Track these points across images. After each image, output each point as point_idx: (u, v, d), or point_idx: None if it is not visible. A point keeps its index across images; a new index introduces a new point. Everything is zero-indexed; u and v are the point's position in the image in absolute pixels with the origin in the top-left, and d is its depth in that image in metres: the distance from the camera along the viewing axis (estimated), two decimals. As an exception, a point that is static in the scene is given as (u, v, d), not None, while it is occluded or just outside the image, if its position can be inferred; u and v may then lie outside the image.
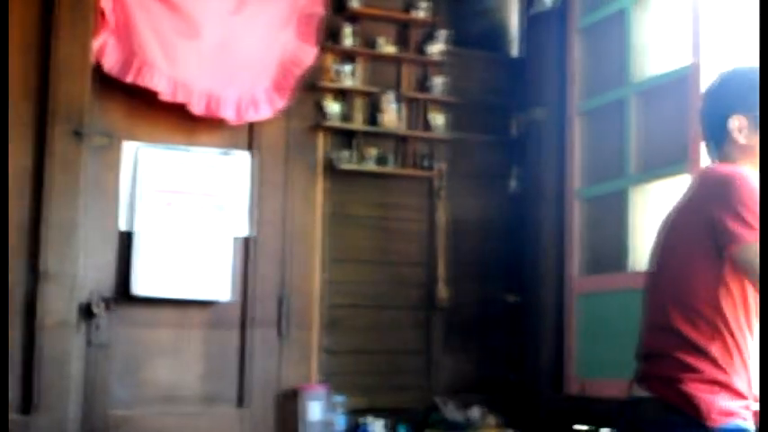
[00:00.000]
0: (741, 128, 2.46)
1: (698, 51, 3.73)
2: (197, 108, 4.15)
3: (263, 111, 4.30)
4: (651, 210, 4.01)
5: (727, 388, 2.30)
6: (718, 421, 2.27)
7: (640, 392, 2.42)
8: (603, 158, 4.30)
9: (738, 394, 2.32)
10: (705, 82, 3.60)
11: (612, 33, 4.29)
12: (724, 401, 2.29)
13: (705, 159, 3.50)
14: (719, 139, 2.51)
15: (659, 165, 3.94)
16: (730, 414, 2.29)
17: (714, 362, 2.30)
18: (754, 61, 3.17)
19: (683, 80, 3.81)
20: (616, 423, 2.56)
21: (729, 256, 2.29)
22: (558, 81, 4.59)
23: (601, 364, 4.14)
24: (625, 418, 2.47)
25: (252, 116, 4.27)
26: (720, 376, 2.30)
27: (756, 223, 2.26)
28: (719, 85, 2.55)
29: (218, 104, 4.18)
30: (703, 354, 2.31)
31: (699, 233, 2.35)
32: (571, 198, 4.45)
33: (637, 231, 4.04)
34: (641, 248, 3.99)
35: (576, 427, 4.24)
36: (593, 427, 4.10)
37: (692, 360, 2.31)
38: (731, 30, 3.67)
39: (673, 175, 3.84)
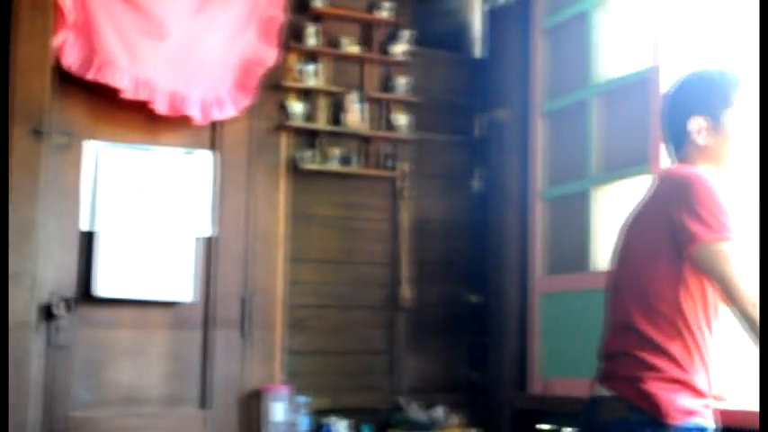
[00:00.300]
0: (701, 129, 2.50)
1: (658, 54, 3.76)
2: (161, 106, 4.12)
3: (228, 110, 4.28)
4: (613, 210, 4.03)
5: (687, 386, 2.33)
6: (679, 420, 2.30)
7: (603, 391, 2.44)
8: (566, 159, 4.33)
9: (699, 393, 2.35)
10: (666, 84, 3.64)
11: (575, 35, 4.31)
12: (684, 400, 2.32)
13: (666, 160, 3.54)
14: (680, 141, 2.54)
15: (621, 165, 3.97)
16: (691, 413, 2.33)
17: (675, 361, 2.33)
18: (714, 63, 3.22)
19: (644, 82, 3.84)
20: (579, 422, 2.58)
21: (688, 255, 2.32)
22: (521, 82, 4.61)
23: (564, 363, 4.16)
24: (588, 417, 2.49)
25: (216, 115, 4.25)
26: (681, 375, 2.33)
27: (715, 223, 2.29)
28: (680, 88, 2.58)
29: (183, 103, 4.15)
30: (664, 353, 2.34)
31: (659, 233, 2.38)
32: (534, 198, 4.47)
33: (599, 232, 4.07)
34: (603, 249, 4.02)
35: (540, 426, 4.26)
36: (557, 427, 4.13)
37: (653, 359, 2.34)
38: (691, 32, 3.71)
39: (634, 175, 3.87)
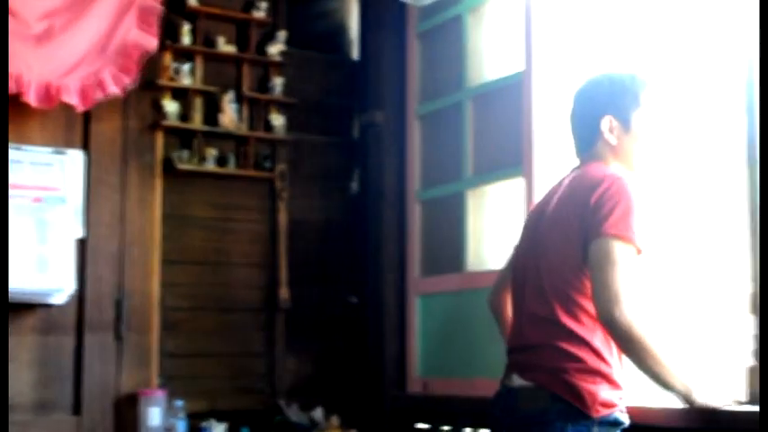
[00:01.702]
0: (612, 128, 2.63)
1: (530, 58, 3.85)
2: (31, 99, 3.97)
3: (111, 89, 4.12)
4: (487, 212, 4.12)
5: (607, 379, 2.42)
6: (601, 412, 2.39)
7: (519, 382, 2.50)
8: (441, 161, 4.39)
9: (616, 385, 2.45)
10: (537, 88, 3.76)
11: (449, 38, 4.38)
12: (605, 392, 2.40)
13: (540, 163, 3.66)
14: (591, 139, 2.66)
15: (495, 168, 4.04)
16: (611, 405, 2.41)
17: (596, 352, 2.42)
18: (585, 68, 3.33)
19: (516, 86, 3.92)
20: (491, 413, 2.63)
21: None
22: (397, 84, 4.65)
23: (442, 363, 4.22)
24: (504, 407, 2.54)
25: (99, 96, 4.10)
26: (602, 366, 2.42)
27: (625, 227, 2.38)
28: (591, 88, 2.70)
29: (59, 92, 4.01)
30: (585, 344, 2.42)
31: (573, 232, 2.47)
32: (411, 200, 4.52)
33: (473, 233, 4.14)
34: (478, 249, 4.10)
35: (419, 425, 4.31)
36: (435, 426, 4.18)
37: (575, 350, 2.41)
38: (561, 38, 3.82)
39: (507, 177, 3.95)
